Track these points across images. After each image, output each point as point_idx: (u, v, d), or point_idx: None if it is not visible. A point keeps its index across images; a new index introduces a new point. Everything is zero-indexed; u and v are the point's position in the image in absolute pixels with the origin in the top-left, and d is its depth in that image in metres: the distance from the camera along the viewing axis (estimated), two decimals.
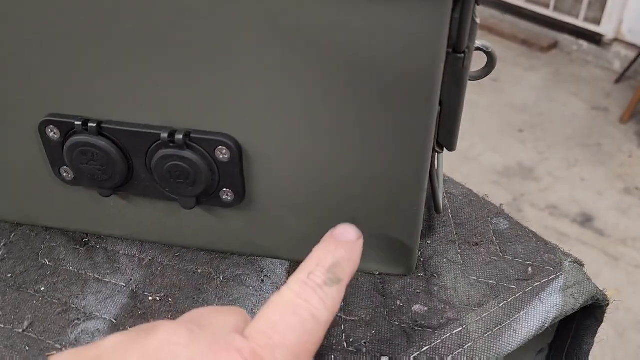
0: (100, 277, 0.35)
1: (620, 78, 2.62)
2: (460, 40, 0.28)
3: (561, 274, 0.36)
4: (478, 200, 0.42)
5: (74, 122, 0.32)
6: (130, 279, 0.35)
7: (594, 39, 2.79)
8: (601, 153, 2.18)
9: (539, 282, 0.35)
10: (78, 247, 0.38)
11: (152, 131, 0.31)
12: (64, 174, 0.35)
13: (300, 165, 0.31)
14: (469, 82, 0.31)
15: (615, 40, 2.73)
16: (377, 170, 0.31)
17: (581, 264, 0.37)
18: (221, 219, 0.35)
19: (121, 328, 0.32)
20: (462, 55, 0.29)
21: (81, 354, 0.22)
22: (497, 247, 0.38)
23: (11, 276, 0.35)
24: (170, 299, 0.34)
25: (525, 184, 2.00)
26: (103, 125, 0.32)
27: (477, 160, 2.12)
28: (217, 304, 0.33)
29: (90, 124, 0.31)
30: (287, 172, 0.32)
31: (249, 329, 0.23)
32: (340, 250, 0.27)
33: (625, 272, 1.65)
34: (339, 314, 0.33)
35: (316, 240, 0.35)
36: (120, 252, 0.37)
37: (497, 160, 2.12)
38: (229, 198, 0.33)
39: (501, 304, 0.34)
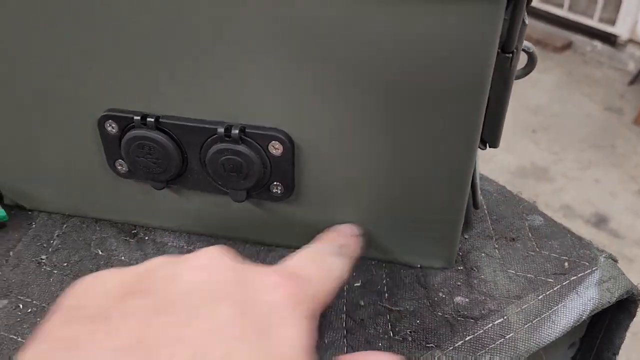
0: None
1: (635, 79, 2.61)
2: (510, 41, 0.29)
3: (596, 269, 0.37)
4: (512, 197, 0.44)
5: (132, 117, 0.33)
6: None
7: (609, 39, 2.79)
8: (615, 154, 2.18)
9: (576, 276, 0.36)
10: (128, 238, 0.39)
11: (208, 126, 0.32)
12: (119, 167, 0.36)
13: (350, 161, 0.33)
14: None
15: (630, 41, 2.72)
16: (424, 165, 0.32)
17: (615, 260, 0.38)
18: (269, 212, 0.36)
19: None
20: (510, 55, 0.30)
21: (133, 269, 0.23)
22: (534, 243, 0.39)
23: (67, 265, 0.37)
24: None
25: (539, 185, 2.01)
26: (161, 120, 0.33)
27: (492, 161, 2.13)
28: None
29: (148, 119, 0.33)
30: (337, 167, 0.33)
31: (278, 266, 0.27)
32: (345, 238, 0.33)
33: (639, 273, 1.66)
34: (384, 304, 0.34)
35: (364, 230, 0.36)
36: (169, 243, 0.39)
37: (510, 161, 2.13)
38: (279, 191, 0.35)
39: (540, 297, 0.35)
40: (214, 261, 0.23)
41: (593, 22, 2.81)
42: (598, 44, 2.84)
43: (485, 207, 0.42)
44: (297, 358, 0.21)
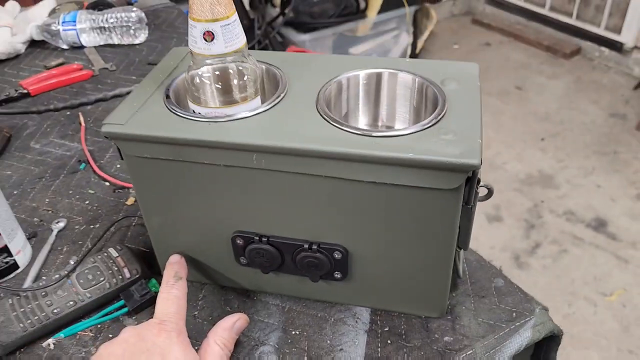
0: (261, 319, 0.61)
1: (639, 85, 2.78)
2: (469, 200, 0.53)
3: (533, 317, 0.60)
4: (485, 264, 0.67)
5: (253, 237, 0.57)
6: (279, 320, 0.61)
7: (615, 46, 2.95)
8: (617, 161, 2.36)
9: (519, 322, 0.60)
10: (245, 299, 0.63)
11: (299, 243, 0.57)
12: (242, 260, 0.60)
13: (382, 260, 0.57)
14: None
15: (635, 48, 2.89)
16: (425, 262, 0.56)
17: (546, 309, 0.62)
18: (332, 287, 0.61)
19: (281, 352, 0.58)
20: (471, 206, 0.53)
21: (124, 340, 0.51)
22: (496, 299, 0.62)
23: (211, 319, 0.61)
24: (305, 333, 0.59)
25: (545, 191, 2.21)
26: (270, 239, 0.57)
27: (503, 168, 2.34)
28: (331, 337, 0.59)
29: (262, 238, 0.57)
30: (374, 263, 0.57)
31: (154, 318, 0.53)
32: (174, 265, 0.59)
33: (633, 273, 1.86)
34: (401, 342, 0.58)
35: (389, 296, 0.60)
36: (270, 302, 0.63)
37: (520, 168, 2.33)
38: (338, 276, 0.59)
39: (496, 336, 0.58)
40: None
41: (600, 30, 2.97)
42: (606, 50, 3.00)
43: (467, 273, 0.66)
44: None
